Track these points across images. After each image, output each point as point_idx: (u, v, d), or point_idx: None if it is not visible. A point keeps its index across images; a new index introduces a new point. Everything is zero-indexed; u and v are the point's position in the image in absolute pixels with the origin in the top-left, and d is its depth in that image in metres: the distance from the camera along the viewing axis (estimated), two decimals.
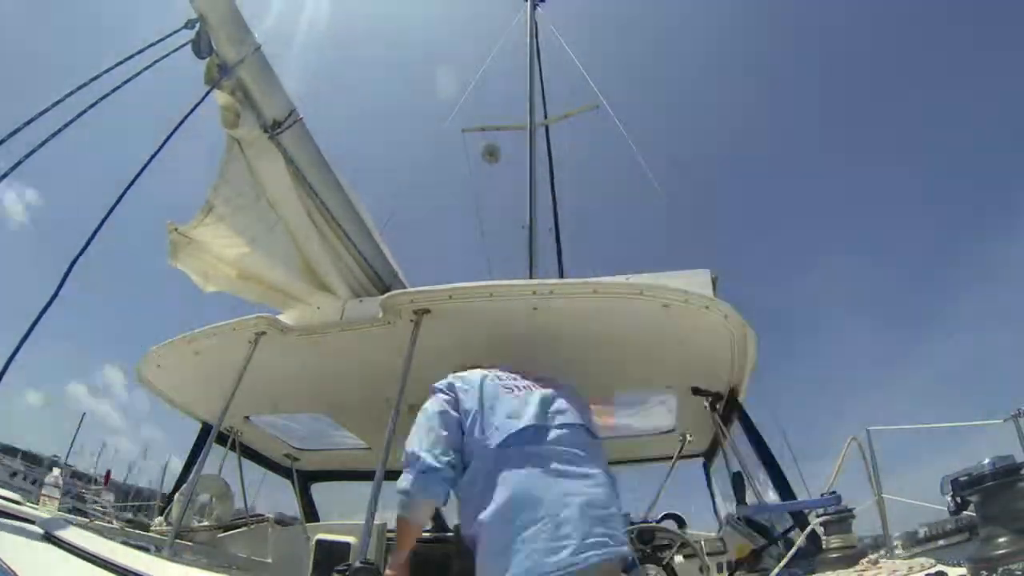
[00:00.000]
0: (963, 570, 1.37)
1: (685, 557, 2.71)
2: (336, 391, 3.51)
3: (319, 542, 3.16)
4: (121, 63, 2.00)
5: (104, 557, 1.52)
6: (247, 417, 3.83)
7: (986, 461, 1.37)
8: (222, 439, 3.72)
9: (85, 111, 1.90)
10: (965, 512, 1.45)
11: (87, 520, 3.10)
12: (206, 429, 3.67)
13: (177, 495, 3.47)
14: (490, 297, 2.53)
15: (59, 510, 2.74)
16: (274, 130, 2.70)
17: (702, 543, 2.92)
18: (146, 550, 2.02)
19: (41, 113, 1.80)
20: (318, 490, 4.87)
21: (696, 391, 3.22)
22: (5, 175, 1.70)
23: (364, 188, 3.32)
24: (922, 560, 1.59)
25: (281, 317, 2.91)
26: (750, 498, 2.89)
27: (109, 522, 3.97)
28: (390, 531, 3.20)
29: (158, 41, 2.13)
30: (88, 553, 1.53)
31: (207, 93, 2.41)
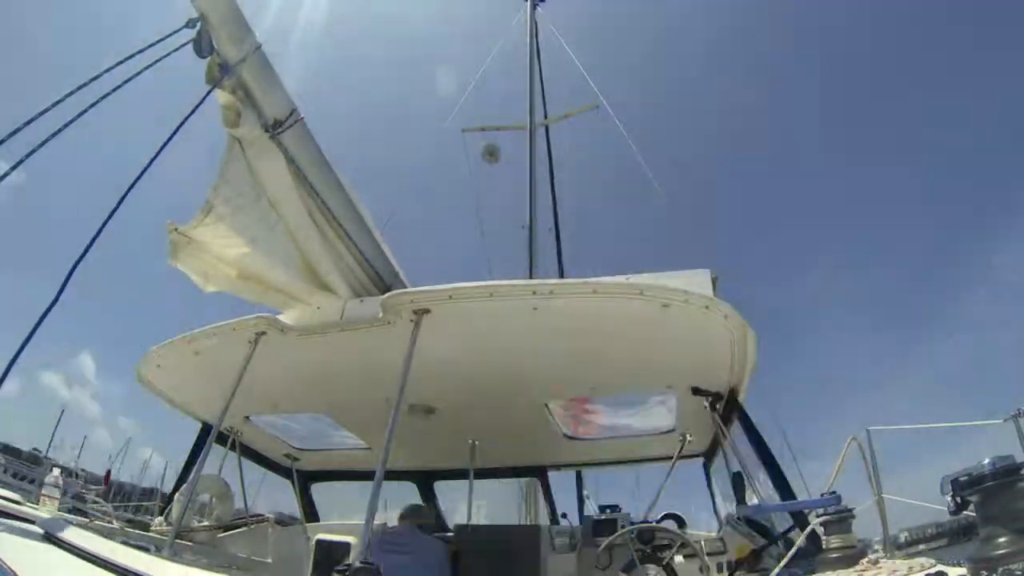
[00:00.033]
0: (963, 570, 1.37)
1: (685, 557, 2.71)
2: (336, 391, 3.51)
3: (319, 542, 3.17)
4: (122, 62, 2.00)
5: (104, 557, 1.51)
6: (247, 417, 3.83)
7: (986, 461, 1.37)
8: (222, 439, 3.72)
9: (85, 111, 1.90)
10: (965, 512, 1.45)
11: (87, 520, 3.10)
12: (206, 429, 3.66)
13: (177, 495, 3.47)
14: (490, 297, 2.53)
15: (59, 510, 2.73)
16: (275, 129, 2.70)
17: (702, 543, 2.92)
18: (146, 550, 2.02)
19: (41, 113, 1.80)
20: (318, 490, 4.87)
21: (696, 391, 3.22)
22: (5, 175, 1.70)
23: (364, 188, 3.33)
24: (922, 560, 1.59)
25: (281, 317, 2.91)
26: (750, 498, 2.89)
27: (109, 522, 3.97)
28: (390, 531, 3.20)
29: (159, 40, 2.14)
30: (88, 553, 1.53)
31: (208, 92, 2.41)
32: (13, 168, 1.71)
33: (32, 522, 1.74)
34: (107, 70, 1.97)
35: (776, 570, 1.88)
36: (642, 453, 4.44)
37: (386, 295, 2.67)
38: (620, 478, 4.91)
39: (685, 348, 2.85)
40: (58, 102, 1.85)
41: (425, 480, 4.77)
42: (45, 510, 2.22)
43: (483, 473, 4.33)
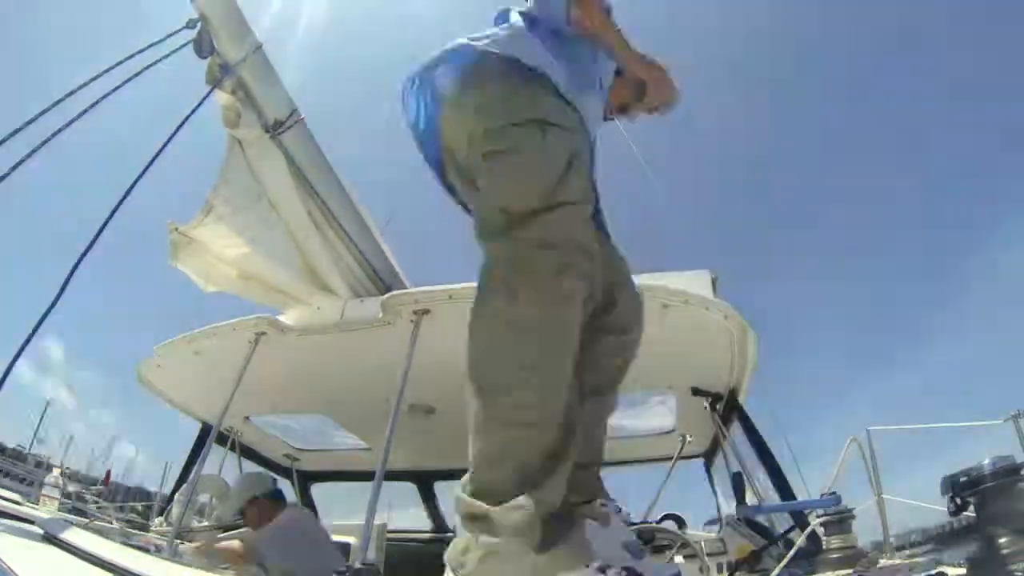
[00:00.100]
0: (963, 570, 1.37)
1: (685, 557, 2.71)
2: (336, 391, 3.51)
3: None
4: (122, 63, 2.00)
5: (104, 558, 1.51)
6: (247, 417, 3.83)
7: (986, 461, 1.37)
8: (222, 439, 3.72)
9: (85, 111, 1.90)
10: (965, 512, 1.45)
11: (87, 520, 3.10)
12: (206, 429, 3.66)
13: (177, 495, 3.47)
14: None
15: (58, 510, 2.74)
16: (275, 130, 2.71)
17: (702, 543, 2.92)
18: (146, 551, 2.02)
19: (41, 113, 1.80)
20: (318, 490, 4.87)
21: (696, 391, 3.22)
22: (5, 175, 1.70)
23: (364, 188, 3.33)
24: (922, 560, 1.59)
25: (281, 317, 2.91)
26: (750, 498, 2.89)
27: (109, 522, 3.97)
28: (390, 531, 3.21)
29: (159, 41, 2.14)
30: (88, 553, 1.53)
31: (208, 93, 2.41)
32: (13, 168, 1.71)
33: (32, 522, 1.74)
34: (107, 70, 1.97)
35: (776, 570, 1.89)
36: (642, 453, 4.44)
37: (386, 295, 2.67)
38: (620, 478, 4.91)
39: (685, 348, 2.85)
40: (58, 102, 1.85)
41: (425, 480, 4.77)
42: (45, 510, 2.23)
43: None
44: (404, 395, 2.40)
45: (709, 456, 4.16)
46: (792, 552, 1.93)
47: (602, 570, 0.98)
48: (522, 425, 1.12)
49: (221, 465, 3.79)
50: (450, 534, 4.54)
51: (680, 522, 3.34)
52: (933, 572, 1.45)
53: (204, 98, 2.39)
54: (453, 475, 4.61)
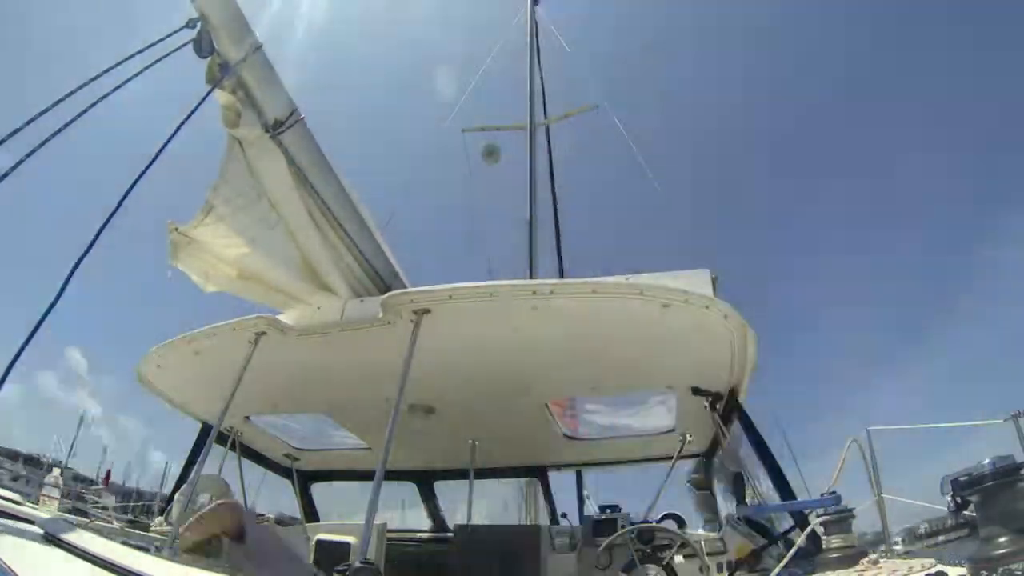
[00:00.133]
0: (963, 570, 1.37)
1: (685, 557, 2.71)
2: (336, 391, 3.51)
3: (319, 542, 3.16)
4: (122, 63, 2.00)
5: (104, 557, 1.51)
6: (247, 417, 3.83)
7: (986, 461, 1.37)
8: (222, 439, 3.72)
9: (85, 111, 1.90)
10: (965, 512, 1.45)
11: (87, 520, 3.10)
12: (206, 429, 3.67)
13: (177, 495, 3.47)
14: (490, 297, 2.53)
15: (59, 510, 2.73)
16: (275, 129, 2.70)
17: (702, 543, 2.92)
18: (146, 550, 2.01)
19: (41, 113, 1.80)
20: (318, 490, 4.87)
21: (696, 391, 3.22)
22: (5, 175, 1.70)
23: (364, 188, 3.32)
24: (922, 560, 1.59)
25: (281, 317, 2.91)
26: (750, 498, 2.89)
27: (109, 522, 3.97)
28: (390, 531, 3.21)
29: (159, 41, 2.13)
30: (88, 553, 1.53)
31: (208, 92, 2.41)
32: (13, 168, 1.71)
33: (32, 522, 1.74)
34: (107, 70, 1.97)
35: (776, 570, 1.89)
36: (642, 453, 4.44)
37: (386, 295, 2.67)
38: (620, 478, 4.91)
39: (685, 348, 2.85)
40: (58, 102, 1.85)
41: (425, 480, 4.77)
42: (45, 510, 2.22)
43: (483, 473, 4.33)
44: (404, 395, 2.39)
45: (709, 456, 4.16)
46: (792, 552, 1.93)
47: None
48: None
49: (221, 465, 3.79)
50: (450, 534, 4.55)
51: (680, 522, 3.34)
52: (933, 572, 1.45)
53: (204, 98, 2.38)
54: (453, 475, 4.62)
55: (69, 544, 1.57)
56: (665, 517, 3.36)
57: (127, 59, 2.04)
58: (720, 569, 3.01)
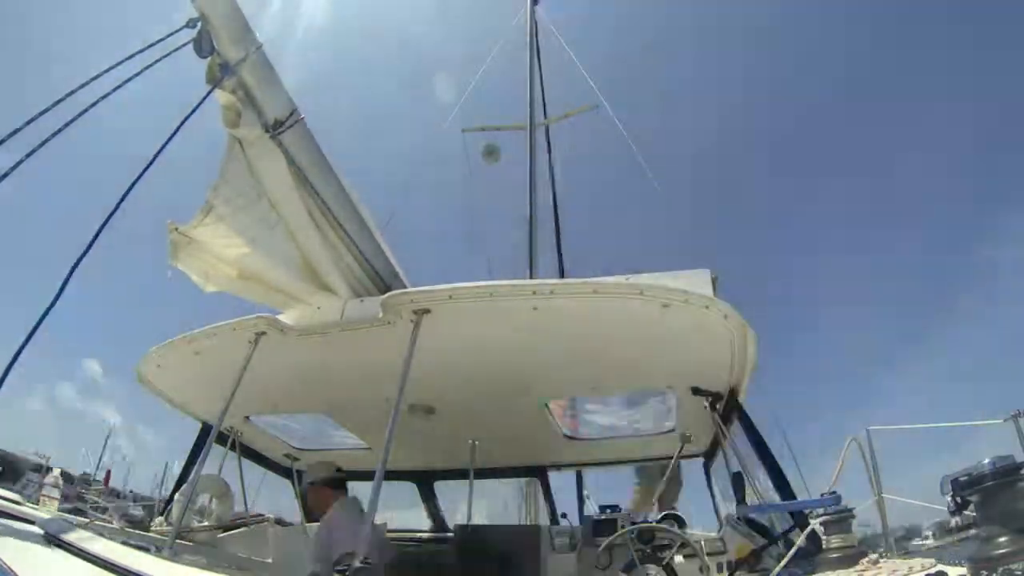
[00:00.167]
0: (963, 570, 1.37)
1: (685, 557, 2.71)
2: (336, 391, 3.51)
3: None
4: (122, 62, 2.00)
5: (104, 557, 1.51)
6: (247, 417, 3.83)
7: (986, 461, 1.37)
8: (222, 439, 3.72)
9: (85, 111, 1.90)
10: (965, 512, 1.45)
11: (87, 520, 3.10)
12: (206, 429, 3.67)
13: (177, 495, 3.47)
14: (490, 297, 2.53)
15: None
16: (275, 129, 2.70)
17: (702, 543, 2.92)
18: (146, 550, 2.02)
19: (41, 113, 1.80)
20: None
21: (696, 391, 3.22)
22: (5, 175, 1.70)
23: (364, 188, 3.33)
24: (922, 560, 1.59)
25: (281, 317, 2.91)
26: (750, 498, 2.89)
27: (109, 522, 3.97)
28: (390, 531, 3.21)
29: (159, 40, 2.14)
30: (88, 553, 1.53)
31: (209, 92, 2.41)
32: (13, 168, 1.71)
33: (32, 522, 1.74)
34: (107, 70, 1.97)
35: (776, 570, 1.89)
36: (642, 453, 4.44)
37: (386, 295, 2.66)
38: (620, 478, 4.92)
39: (685, 348, 2.85)
40: (58, 102, 1.85)
41: (425, 480, 4.77)
42: (45, 510, 2.22)
43: (483, 473, 4.33)
44: (404, 395, 2.39)
45: (709, 456, 4.16)
46: (792, 552, 1.93)
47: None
48: None
49: (221, 465, 3.79)
50: (450, 534, 4.54)
51: (680, 522, 3.34)
52: (933, 572, 1.45)
53: (204, 98, 2.39)
54: (453, 475, 4.62)
55: (69, 544, 1.57)
56: (665, 517, 3.36)
57: (127, 59, 2.04)
58: (720, 569, 3.01)
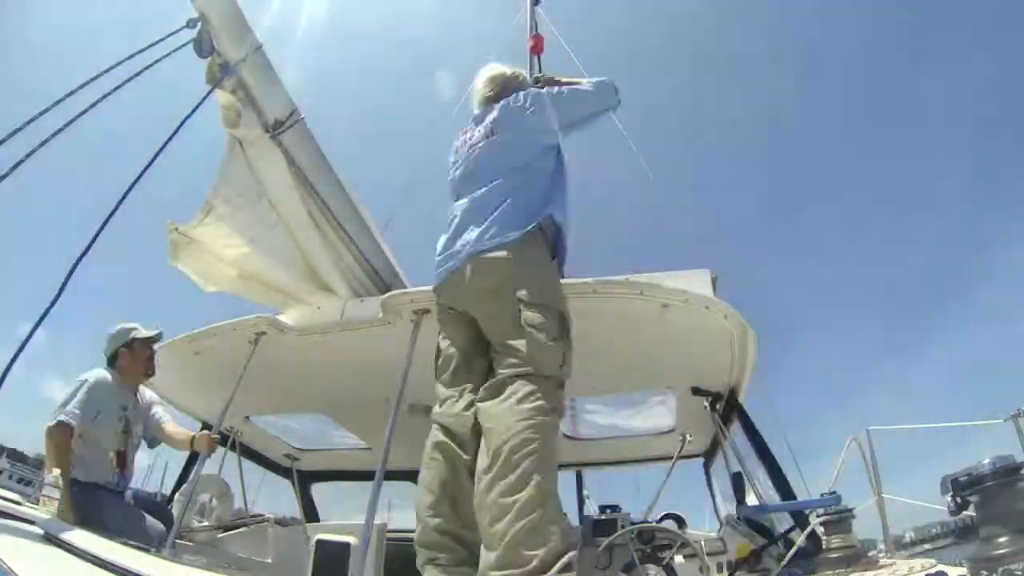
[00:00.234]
0: (963, 570, 1.37)
1: (685, 557, 2.71)
2: (336, 391, 3.51)
3: (319, 542, 3.16)
4: (122, 63, 2.00)
5: (104, 557, 1.51)
6: (247, 417, 3.83)
7: (986, 461, 1.37)
8: (222, 439, 3.72)
9: (85, 111, 1.90)
10: (965, 512, 1.45)
11: None
12: (206, 429, 3.67)
13: (177, 495, 3.47)
14: None
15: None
16: (275, 129, 2.70)
17: (702, 543, 2.92)
18: (146, 550, 2.01)
19: (41, 113, 1.80)
20: (318, 490, 4.87)
21: (696, 391, 3.22)
22: (5, 175, 1.70)
23: (364, 188, 3.33)
24: (922, 560, 1.60)
25: (281, 317, 2.91)
26: (750, 498, 2.89)
27: None
28: (390, 531, 3.21)
29: (159, 41, 2.13)
30: (88, 553, 1.53)
31: (208, 92, 2.41)
32: (13, 168, 1.71)
33: (32, 522, 1.74)
34: (107, 70, 1.97)
35: (776, 570, 1.89)
36: (642, 453, 4.44)
37: (386, 295, 2.67)
38: (620, 478, 4.91)
39: (685, 348, 2.85)
40: (58, 102, 1.84)
41: None
42: (45, 510, 2.22)
43: None
44: (404, 395, 2.40)
45: (709, 456, 4.16)
46: (792, 552, 1.93)
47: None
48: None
49: (221, 465, 3.79)
50: None
51: (680, 522, 3.35)
52: (933, 572, 1.45)
53: (204, 98, 2.38)
54: None
55: (69, 544, 1.57)
56: (665, 517, 3.36)
57: (127, 59, 2.03)
58: (720, 569, 3.01)
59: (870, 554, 1.83)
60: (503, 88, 2.44)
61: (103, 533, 1.85)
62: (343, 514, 4.58)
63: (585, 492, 4.66)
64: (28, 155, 1.73)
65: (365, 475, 4.46)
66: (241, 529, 3.64)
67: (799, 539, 2.03)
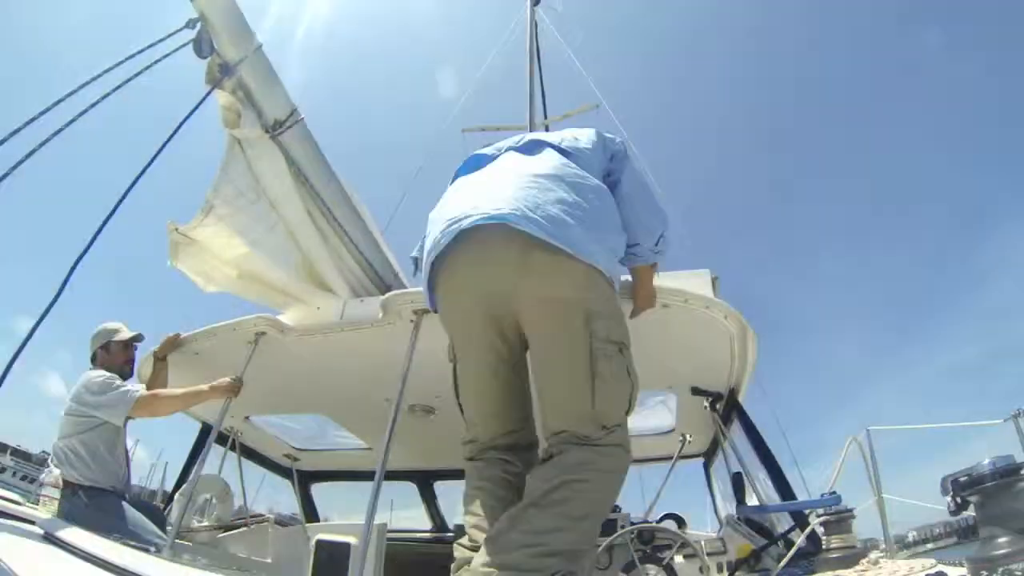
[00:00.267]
0: (963, 570, 1.37)
1: (685, 557, 2.71)
2: (336, 391, 3.51)
3: (319, 542, 3.16)
4: (122, 63, 2.00)
5: (104, 557, 1.51)
6: (247, 417, 3.83)
7: (986, 461, 1.37)
8: (222, 439, 3.72)
9: (85, 111, 1.90)
10: (965, 512, 1.45)
11: None
12: (206, 429, 3.67)
13: (177, 495, 3.47)
14: None
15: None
16: (275, 130, 2.70)
17: (702, 543, 2.92)
18: (146, 550, 2.02)
19: (41, 113, 1.80)
20: (318, 490, 4.87)
21: (696, 391, 3.22)
22: (5, 175, 1.70)
23: (364, 188, 3.33)
24: (922, 560, 1.60)
25: (281, 317, 2.91)
26: (750, 498, 2.89)
27: None
28: (390, 531, 3.21)
29: (159, 41, 2.13)
30: (88, 553, 1.53)
31: (208, 93, 2.41)
32: (13, 168, 1.71)
33: (32, 522, 1.74)
34: (107, 70, 1.97)
35: (776, 570, 1.89)
36: (642, 453, 4.43)
37: (386, 295, 2.66)
38: None
39: (685, 348, 2.85)
40: (58, 102, 1.84)
41: (425, 480, 4.77)
42: (45, 510, 2.23)
43: None
44: (404, 395, 2.39)
45: (709, 456, 4.16)
46: (792, 552, 1.93)
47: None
48: None
49: (221, 465, 3.80)
50: (450, 534, 4.55)
51: (680, 522, 3.35)
52: (933, 572, 1.45)
53: (204, 98, 2.39)
54: (453, 475, 4.62)
55: (69, 544, 1.57)
56: (665, 517, 3.36)
57: (127, 59, 2.04)
58: (720, 569, 3.01)
59: (870, 554, 1.83)
60: None
61: (106, 534, 1.85)
62: (343, 514, 4.58)
63: None
64: (28, 155, 1.73)
65: (365, 475, 4.46)
66: (241, 529, 3.64)
67: (799, 539, 2.02)
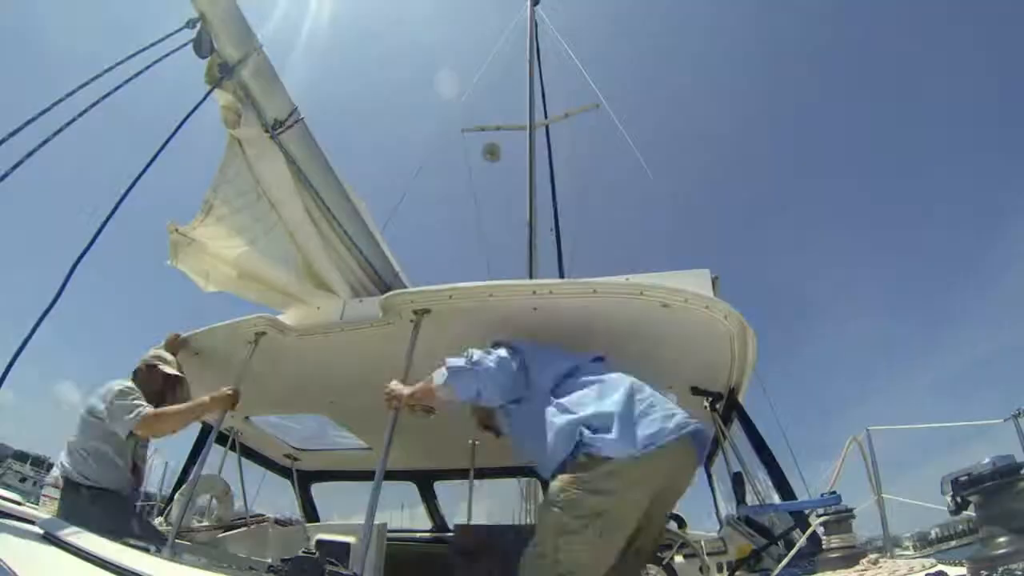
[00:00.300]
0: (963, 570, 1.37)
1: (685, 557, 2.71)
2: (336, 391, 3.51)
3: (319, 542, 3.16)
4: (122, 63, 2.00)
5: (104, 557, 1.51)
6: (247, 417, 3.82)
7: (986, 461, 1.37)
8: (222, 439, 3.72)
9: (86, 111, 1.90)
10: (965, 512, 1.44)
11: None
12: (206, 429, 3.67)
13: (177, 495, 3.47)
14: (490, 297, 2.52)
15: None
16: (275, 130, 2.70)
17: (702, 543, 2.92)
18: (146, 550, 2.01)
19: (41, 113, 1.80)
20: (318, 490, 4.87)
21: (696, 391, 3.22)
22: (5, 175, 1.70)
23: (364, 188, 3.33)
24: (922, 560, 1.59)
25: (281, 317, 2.91)
26: (750, 498, 2.89)
27: None
28: (390, 531, 3.21)
29: (159, 41, 2.13)
30: (88, 553, 1.53)
31: (208, 92, 2.41)
32: (14, 168, 1.71)
33: (32, 522, 1.74)
34: (107, 70, 1.97)
35: (776, 570, 1.89)
36: None
37: (386, 295, 2.66)
38: None
39: (685, 348, 2.84)
40: (58, 102, 1.85)
41: (425, 480, 4.77)
42: (45, 510, 2.23)
43: (483, 473, 4.32)
44: None
45: (709, 456, 4.15)
46: (792, 552, 1.93)
47: None
48: None
49: (221, 465, 3.80)
50: (450, 534, 4.54)
51: (680, 522, 3.34)
52: (933, 572, 1.45)
53: (204, 98, 2.38)
54: (453, 475, 4.61)
55: (69, 544, 1.57)
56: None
57: (127, 59, 2.04)
58: (720, 569, 3.01)
59: (870, 554, 1.83)
60: None
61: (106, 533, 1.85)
62: (343, 514, 4.58)
63: None
64: (28, 155, 1.73)
65: (365, 475, 4.46)
66: (241, 529, 3.64)
67: (799, 539, 2.02)
